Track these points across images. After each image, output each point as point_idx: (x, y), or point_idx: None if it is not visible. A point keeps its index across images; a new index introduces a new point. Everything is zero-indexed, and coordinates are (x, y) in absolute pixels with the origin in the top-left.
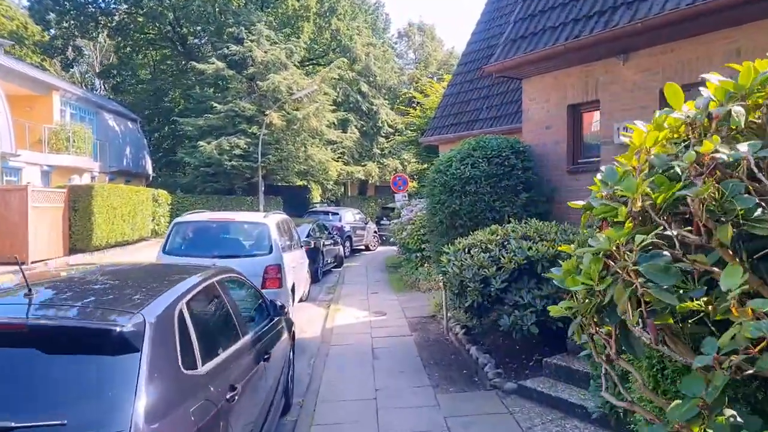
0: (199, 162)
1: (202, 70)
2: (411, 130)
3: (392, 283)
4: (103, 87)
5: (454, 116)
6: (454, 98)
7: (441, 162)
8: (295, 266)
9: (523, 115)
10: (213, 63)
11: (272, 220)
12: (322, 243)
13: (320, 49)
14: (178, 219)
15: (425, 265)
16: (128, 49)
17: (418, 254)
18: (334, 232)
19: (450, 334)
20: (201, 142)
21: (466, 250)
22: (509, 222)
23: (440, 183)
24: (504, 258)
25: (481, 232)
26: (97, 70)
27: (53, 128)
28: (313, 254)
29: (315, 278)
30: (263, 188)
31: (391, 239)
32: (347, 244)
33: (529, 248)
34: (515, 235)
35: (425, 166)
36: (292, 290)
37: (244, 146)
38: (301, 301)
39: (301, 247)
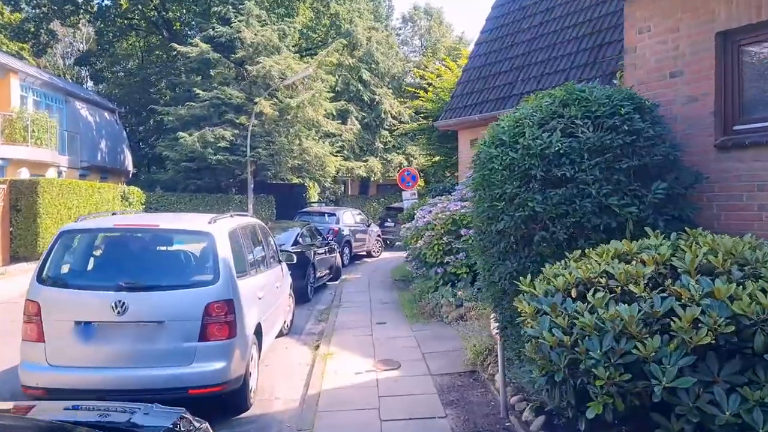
0: (180, 156)
1: (185, 53)
2: (422, 116)
3: (404, 306)
4: (82, 76)
5: (478, 93)
6: (477, 72)
7: (502, 129)
8: (266, 294)
9: (626, 59)
10: (196, 45)
11: (222, 228)
12: (313, 252)
13: (318, 38)
14: (69, 226)
15: (450, 284)
16: (110, 35)
17: (439, 269)
18: (330, 237)
19: (511, 417)
20: (181, 133)
21: (575, 290)
22: (633, 233)
23: (503, 164)
24: (678, 321)
25: (596, 252)
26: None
27: (7, 115)
28: (302, 267)
29: (304, 297)
30: (252, 185)
31: (397, 243)
32: (346, 250)
33: (733, 298)
34: (686, 264)
35: (437, 159)
36: (258, 334)
37: (231, 138)
38: (280, 335)
39: (280, 262)
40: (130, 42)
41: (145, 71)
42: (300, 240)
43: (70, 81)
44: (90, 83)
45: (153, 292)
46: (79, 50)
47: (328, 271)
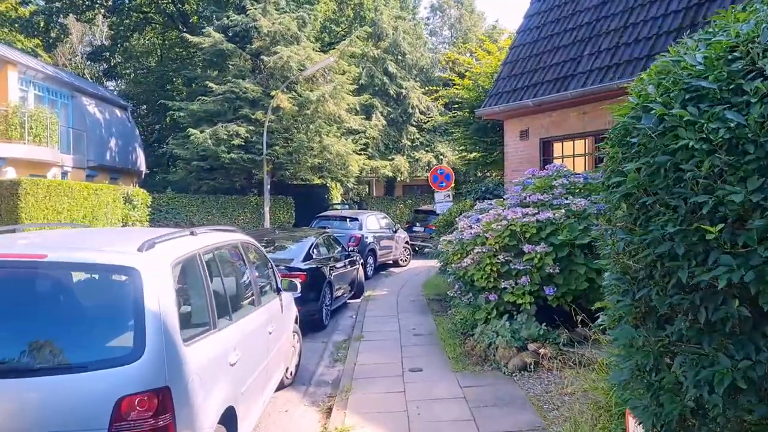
0: (192, 155)
1: (197, 43)
2: (456, 106)
3: (443, 341)
4: (101, 75)
5: (531, 74)
6: (528, 49)
7: (698, 70)
8: (248, 352)
9: None
10: (209, 35)
11: (159, 259)
12: (330, 268)
13: (342, 32)
14: None
15: (506, 317)
16: (125, 30)
17: (492, 296)
18: (352, 245)
19: None
20: (192, 130)
21: None
22: None
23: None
24: None
25: None
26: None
27: (1, 110)
28: (315, 288)
29: (317, 325)
30: (269, 186)
31: (426, 250)
32: (370, 260)
33: None
34: None
35: (473, 155)
36: (230, 420)
37: (246, 135)
38: (281, 388)
39: (279, 291)
40: (148, 38)
41: (163, 68)
42: (314, 253)
43: (89, 80)
44: (111, 82)
45: (21, 379)
46: (98, 48)
47: (348, 287)
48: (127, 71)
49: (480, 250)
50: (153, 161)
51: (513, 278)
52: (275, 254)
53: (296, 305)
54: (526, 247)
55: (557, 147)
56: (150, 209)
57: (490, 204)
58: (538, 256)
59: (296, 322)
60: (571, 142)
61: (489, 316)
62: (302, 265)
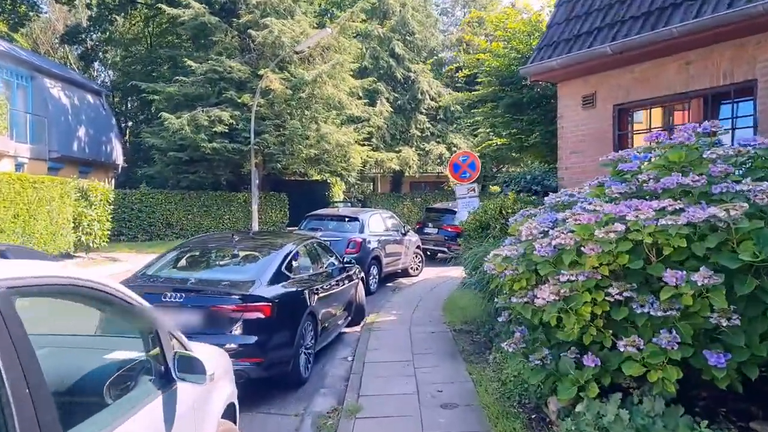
0: (168, 144)
1: (176, 16)
2: (479, 82)
3: (492, 423)
4: (91, 64)
5: (604, 11)
6: None
7: None
8: None
9: None
10: (189, 6)
11: None
12: (311, 292)
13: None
14: None
15: (617, 397)
16: (104, 8)
17: (592, 360)
18: (351, 252)
19: None
20: (165, 115)
21: None
22: None
23: None
24: None
25: None
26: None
27: None
28: (287, 325)
29: (294, 380)
30: (257, 180)
31: (439, 255)
32: (374, 270)
33: None
34: None
35: (500, 141)
36: None
37: (231, 121)
38: None
39: (171, 385)
40: (134, 22)
41: (151, 55)
42: (289, 270)
43: (77, 70)
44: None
45: None
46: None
47: (344, 311)
48: (116, 59)
49: (571, 278)
50: (138, 154)
51: (638, 333)
52: (225, 274)
53: (254, 353)
54: (666, 275)
55: (642, 116)
56: (115, 207)
57: (572, 196)
58: (693, 290)
59: (234, 418)
60: (662, 108)
61: (585, 392)
62: (267, 292)
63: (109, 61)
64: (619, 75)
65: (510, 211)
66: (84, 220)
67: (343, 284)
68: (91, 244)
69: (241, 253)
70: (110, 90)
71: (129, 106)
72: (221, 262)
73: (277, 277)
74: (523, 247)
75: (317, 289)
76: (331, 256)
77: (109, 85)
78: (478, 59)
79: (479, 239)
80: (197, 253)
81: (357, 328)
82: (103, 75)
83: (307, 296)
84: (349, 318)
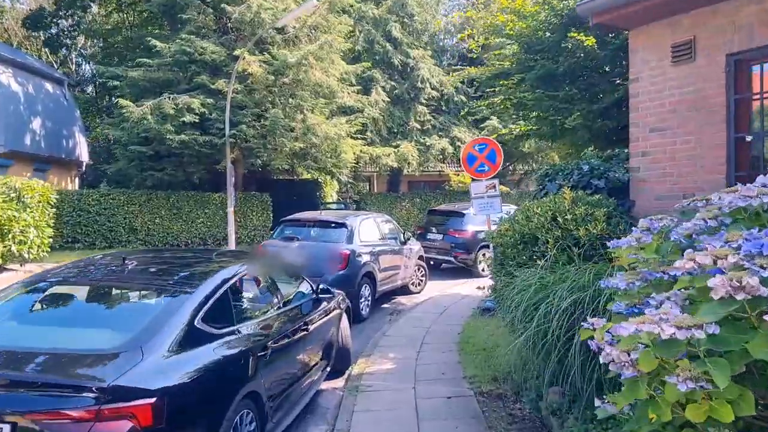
0: (130, 137)
1: None
2: (497, 54)
3: None
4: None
5: None
6: None
7: None
8: None
9: None
10: None
11: None
12: (254, 351)
13: None
14: None
15: None
16: None
17: None
18: (337, 268)
19: None
20: (123, 101)
21: None
22: None
23: None
24: None
25: None
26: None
27: None
28: (213, 411)
29: None
30: (233, 179)
31: (444, 265)
32: (366, 290)
33: None
34: None
35: (523, 127)
36: None
37: (203, 110)
38: None
39: None
40: (109, 9)
41: (128, 45)
42: (211, 323)
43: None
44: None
45: None
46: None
47: (318, 362)
48: (95, 51)
49: None
50: (99, 149)
51: None
52: (78, 339)
53: None
54: None
55: None
56: (68, 210)
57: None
58: None
59: None
60: None
61: None
62: (152, 376)
63: (88, 54)
64: (735, 8)
65: (570, 217)
66: (15, 226)
67: (317, 323)
68: (26, 255)
69: (125, 294)
70: (89, 84)
71: (106, 101)
72: (80, 314)
73: (186, 339)
74: (712, 314)
75: (267, 346)
76: (300, 285)
77: (88, 79)
78: (493, 24)
79: (521, 260)
80: (53, 295)
81: (339, 382)
82: (83, 68)
83: (246, 364)
84: (328, 367)
